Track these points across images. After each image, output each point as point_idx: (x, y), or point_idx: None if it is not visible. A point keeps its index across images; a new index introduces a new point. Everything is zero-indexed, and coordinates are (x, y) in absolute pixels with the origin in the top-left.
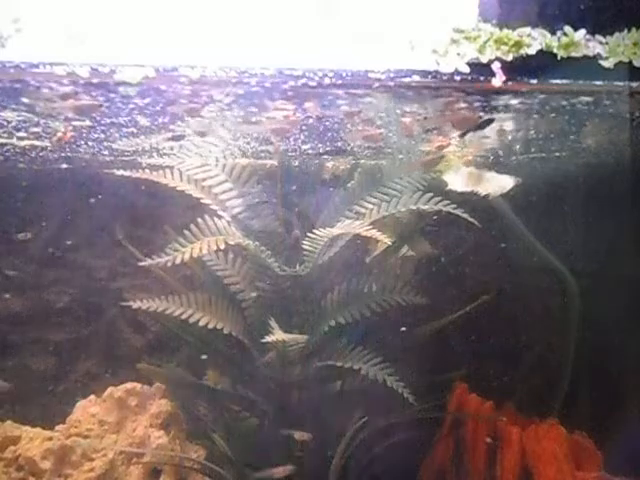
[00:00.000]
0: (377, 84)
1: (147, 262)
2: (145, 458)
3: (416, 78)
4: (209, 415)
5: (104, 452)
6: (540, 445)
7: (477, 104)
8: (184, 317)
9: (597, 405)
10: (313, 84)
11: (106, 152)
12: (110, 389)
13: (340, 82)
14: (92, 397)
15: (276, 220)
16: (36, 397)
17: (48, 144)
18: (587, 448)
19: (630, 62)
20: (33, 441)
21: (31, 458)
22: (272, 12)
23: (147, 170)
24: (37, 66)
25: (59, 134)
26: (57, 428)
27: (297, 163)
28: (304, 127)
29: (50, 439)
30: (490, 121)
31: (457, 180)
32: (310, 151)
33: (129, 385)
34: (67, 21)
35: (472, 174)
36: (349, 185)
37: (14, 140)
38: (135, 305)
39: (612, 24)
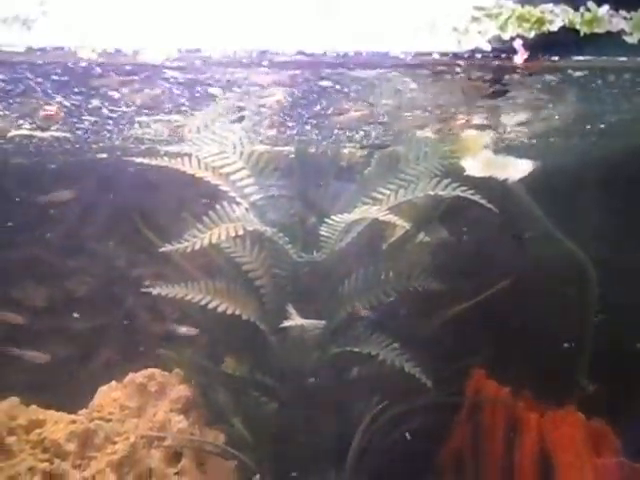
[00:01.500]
0: (397, 63)
1: (167, 248)
2: (166, 442)
3: (436, 57)
4: (228, 400)
5: (126, 435)
6: (559, 431)
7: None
8: (203, 303)
9: (616, 391)
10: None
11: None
12: (131, 375)
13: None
14: (113, 383)
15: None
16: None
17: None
18: (606, 434)
19: None
20: (58, 424)
21: (56, 440)
22: None
23: None
24: (62, 49)
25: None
26: (80, 412)
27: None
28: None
29: (74, 422)
30: (504, 92)
31: (475, 165)
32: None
33: (149, 371)
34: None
35: (490, 159)
36: (366, 172)
37: None
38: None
39: None
